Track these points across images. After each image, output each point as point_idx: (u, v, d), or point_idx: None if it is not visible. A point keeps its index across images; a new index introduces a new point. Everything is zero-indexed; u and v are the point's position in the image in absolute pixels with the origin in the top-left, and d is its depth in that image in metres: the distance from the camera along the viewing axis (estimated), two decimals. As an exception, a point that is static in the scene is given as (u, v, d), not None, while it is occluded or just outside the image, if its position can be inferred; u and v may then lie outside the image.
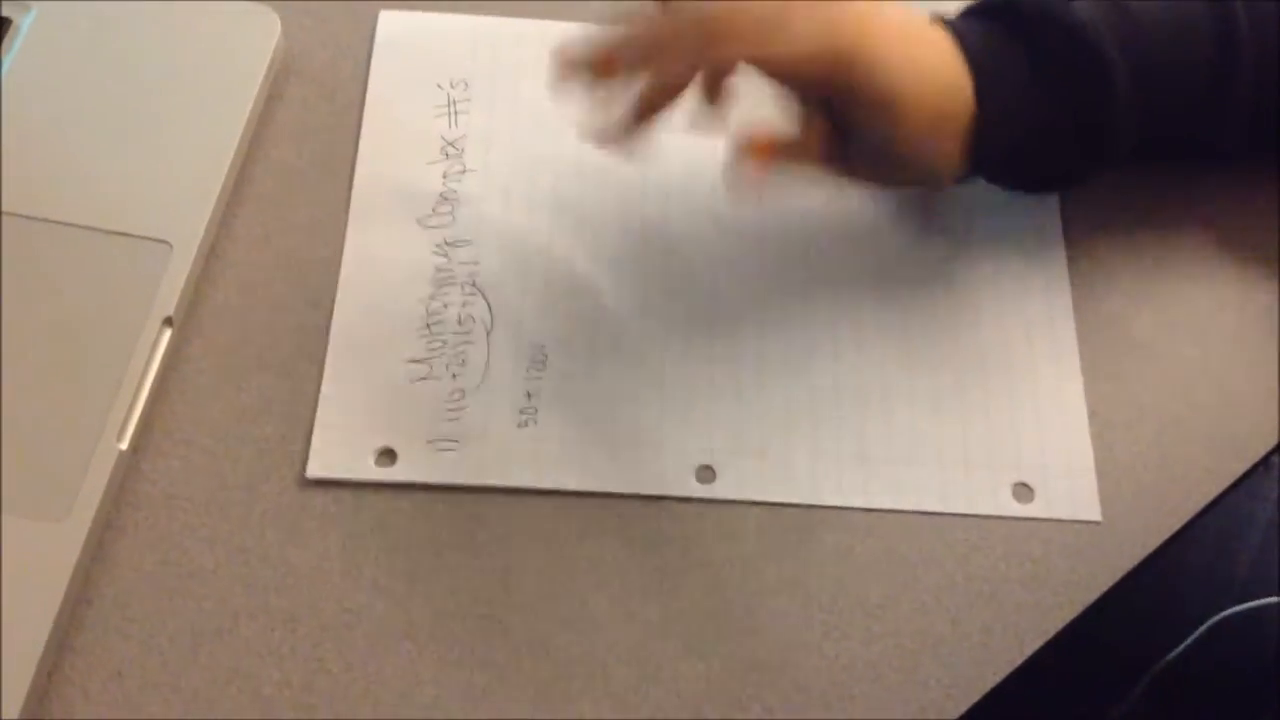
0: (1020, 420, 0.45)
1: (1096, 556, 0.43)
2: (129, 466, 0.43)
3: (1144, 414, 0.46)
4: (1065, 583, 0.42)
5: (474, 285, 0.47)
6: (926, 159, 0.43)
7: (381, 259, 0.47)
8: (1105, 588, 0.42)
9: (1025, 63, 0.43)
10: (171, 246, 0.45)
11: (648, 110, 0.40)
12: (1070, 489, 0.44)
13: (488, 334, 0.46)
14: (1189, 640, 0.39)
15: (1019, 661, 0.41)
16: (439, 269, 0.47)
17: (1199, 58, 0.44)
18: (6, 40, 0.49)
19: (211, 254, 0.47)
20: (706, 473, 0.44)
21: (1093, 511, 0.44)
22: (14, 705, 0.37)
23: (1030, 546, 0.43)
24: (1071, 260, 0.49)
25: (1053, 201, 0.50)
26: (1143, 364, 0.47)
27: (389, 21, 0.53)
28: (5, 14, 0.50)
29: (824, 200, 0.49)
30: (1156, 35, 0.43)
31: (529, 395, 0.45)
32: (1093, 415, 0.46)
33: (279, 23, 0.51)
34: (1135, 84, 0.43)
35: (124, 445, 0.42)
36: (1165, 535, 0.43)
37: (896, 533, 0.43)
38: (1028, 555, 0.43)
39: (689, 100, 0.40)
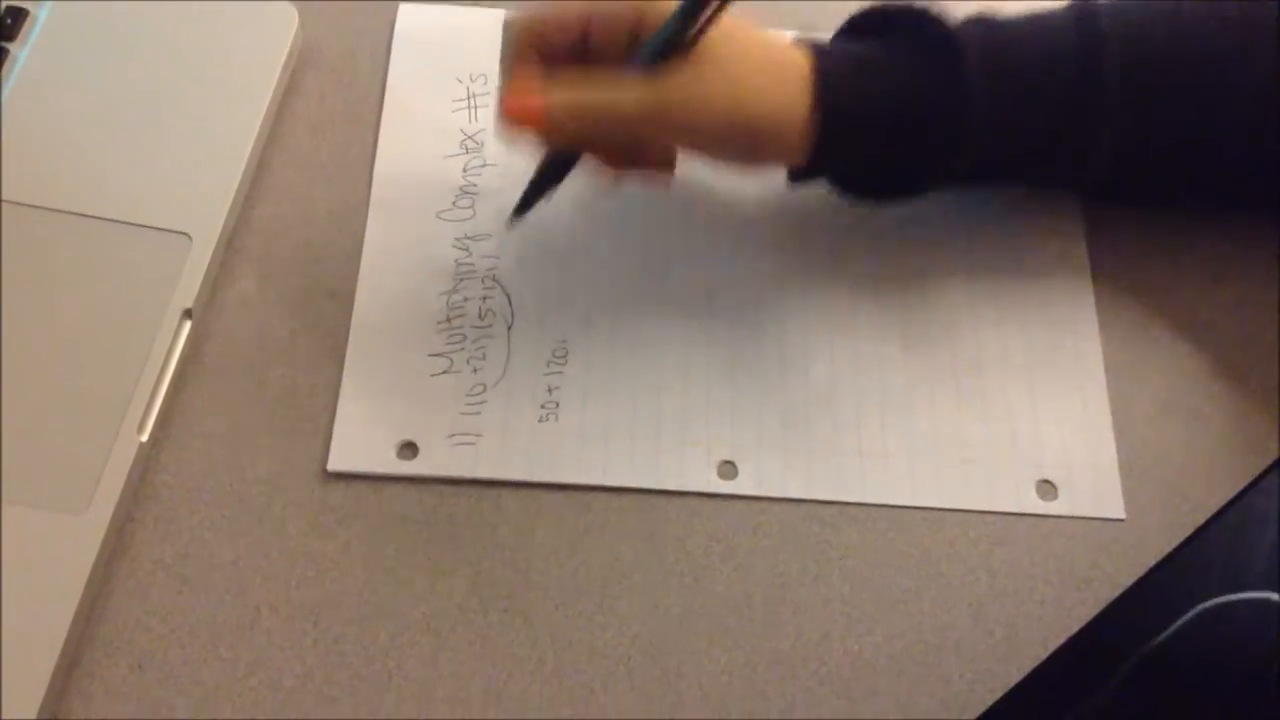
0: (1044, 418, 0.45)
1: (1120, 553, 0.43)
2: (149, 459, 0.42)
3: (1167, 412, 0.46)
4: (1088, 580, 0.42)
5: (494, 279, 0.46)
6: (768, 114, 0.41)
7: (401, 252, 0.47)
8: (1128, 584, 0.42)
9: (871, 43, 0.44)
10: (191, 238, 0.45)
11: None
12: (1094, 486, 0.44)
13: (508, 328, 0.46)
14: (1171, 629, 0.39)
15: (1042, 658, 0.41)
16: (459, 263, 0.47)
17: (1060, 61, 0.43)
18: (23, 32, 0.49)
19: (230, 246, 0.47)
20: (728, 468, 0.44)
21: (1116, 509, 0.44)
22: (34, 697, 0.37)
23: (1054, 543, 0.43)
24: (1094, 259, 0.49)
25: (1074, 201, 0.50)
26: (1165, 362, 0.47)
27: (408, 15, 0.53)
28: (21, 6, 0.49)
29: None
30: (1016, 37, 0.43)
31: (550, 390, 0.44)
32: (1116, 413, 0.45)
33: (296, 15, 0.51)
34: (988, 73, 0.42)
35: (144, 437, 0.42)
36: (1188, 532, 0.43)
37: (920, 529, 0.43)
38: (1051, 552, 0.43)
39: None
